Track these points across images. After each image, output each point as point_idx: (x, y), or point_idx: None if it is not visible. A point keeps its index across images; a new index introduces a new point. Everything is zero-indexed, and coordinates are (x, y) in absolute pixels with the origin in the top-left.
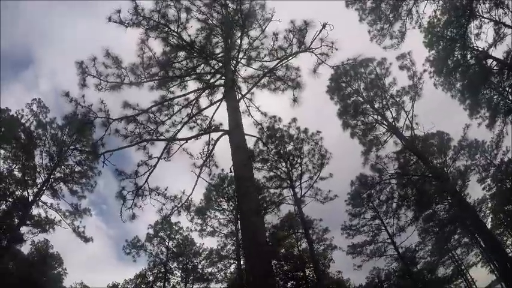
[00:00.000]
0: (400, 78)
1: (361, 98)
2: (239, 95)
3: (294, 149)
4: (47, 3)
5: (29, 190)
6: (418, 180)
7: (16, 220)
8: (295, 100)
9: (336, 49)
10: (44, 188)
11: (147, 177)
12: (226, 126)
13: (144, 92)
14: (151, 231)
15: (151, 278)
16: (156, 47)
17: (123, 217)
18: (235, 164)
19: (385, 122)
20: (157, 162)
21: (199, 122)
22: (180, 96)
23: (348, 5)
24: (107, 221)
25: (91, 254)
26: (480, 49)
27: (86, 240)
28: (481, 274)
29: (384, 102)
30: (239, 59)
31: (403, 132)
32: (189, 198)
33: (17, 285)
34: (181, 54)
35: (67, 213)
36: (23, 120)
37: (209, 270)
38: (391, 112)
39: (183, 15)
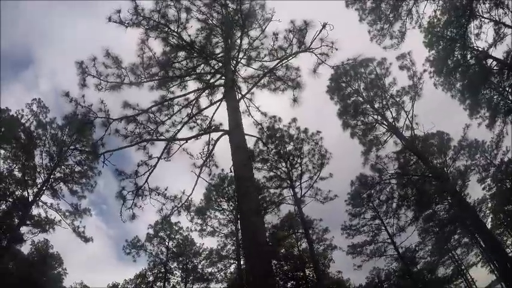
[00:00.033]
0: (400, 78)
1: (361, 98)
2: (239, 95)
3: (294, 149)
4: (47, 3)
5: (29, 190)
6: (418, 180)
7: (16, 220)
8: (295, 100)
9: (336, 49)
10: (44, 188)
11: (147, 177)
12: (226, 126)
13: (144, 92)
14: (151, 231)
15: (151, 278)
16: (156, 47)
17: (123, 217)
18: (235, 164)
19: (385, 122)
20: (157, 162)
21: (199, 122)
22: (180, 96)
23: (348, 5)
24: (107, 221)
25: (91, 254)
26: (480, 49)
27: (86, 240)
28: (481, 274)
29: (384, 102)
30: (239, 59)
31: (403, 132)
32: (189, 198)
33: (17, 285)
34: (181, 54)
35: (67, 213)
36: (23, 120)
37: (209, 270)
38: (391, 112)
39: (183, 15)
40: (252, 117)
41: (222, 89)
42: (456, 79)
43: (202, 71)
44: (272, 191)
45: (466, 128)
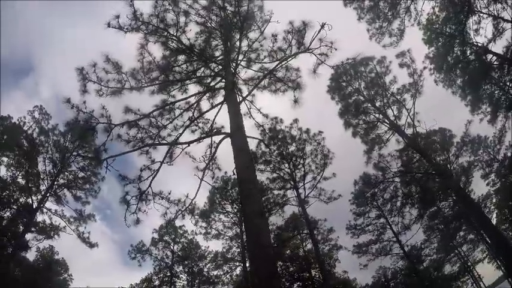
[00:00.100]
0: (401, 76)
1: (362, 97)
2: (240, 97)
3: (296, 149)
4: (47, 8)
5: (33, 197)
6: (422, 178)
7: (21, 227)
8: (296, 101)
9: (335, 49)
10: (48, 195)
11: (151, 182)
12: (227, 129)
13: (145, 97)
14: (156, 235)
15: (157, 282)
16: (156, 51)
17: (127, 222)
18: (237, 166)
19: (386, 121)
20: (160, 167)
21: (200, 125)
22: (181, 100)
23: (346, 4)
24: (111, 226)
25: (96, 259)
26: (479, 44)
27: (91, 245)
28: (488, 270)
29: (385, 101)
30: (239, 61)
31: (405, 130)
32: (193, 202)
33: None
34: (181, 57)
35: (71, 219)
36: (25, 128)
37: (215, 273)
38: (392, 110)
39: (182, 19)
40: (254, 119)
41: (222, 92)
42: (456, 75)
43: (202, 74)
44: (276, 192)
45: (468, 124)
